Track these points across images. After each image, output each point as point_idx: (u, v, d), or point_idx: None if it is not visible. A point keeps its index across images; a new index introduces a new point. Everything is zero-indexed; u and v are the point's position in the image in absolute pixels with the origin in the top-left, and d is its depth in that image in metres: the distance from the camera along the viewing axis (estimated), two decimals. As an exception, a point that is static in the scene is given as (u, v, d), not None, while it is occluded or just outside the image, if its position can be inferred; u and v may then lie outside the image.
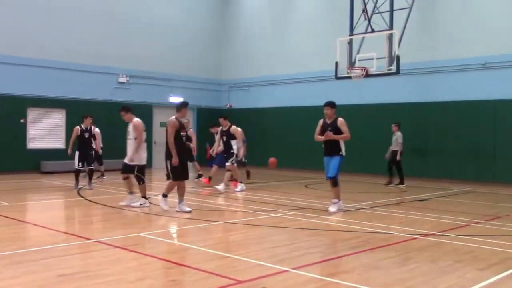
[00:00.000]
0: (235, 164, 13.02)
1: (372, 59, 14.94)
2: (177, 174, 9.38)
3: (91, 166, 13.39)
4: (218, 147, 13.81)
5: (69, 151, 13.41)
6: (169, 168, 9.36)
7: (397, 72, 14.71)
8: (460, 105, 16.26)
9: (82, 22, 19.08)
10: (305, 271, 5.46)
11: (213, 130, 14.75)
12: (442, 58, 16.70)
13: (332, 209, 9.59)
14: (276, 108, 21.10)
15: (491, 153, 15.62)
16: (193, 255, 6.35)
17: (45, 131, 18.18)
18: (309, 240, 7.15)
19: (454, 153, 16.31)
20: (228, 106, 23.14)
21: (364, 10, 15.76)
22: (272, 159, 13.52)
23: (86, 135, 13.33)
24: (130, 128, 10.11)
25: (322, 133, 9.92)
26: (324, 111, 10.24)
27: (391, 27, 15.08)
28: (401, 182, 14.82)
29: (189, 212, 9.29)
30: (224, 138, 13.07)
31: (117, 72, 20.12)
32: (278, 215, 9.31)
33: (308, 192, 13.45)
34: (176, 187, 9.55)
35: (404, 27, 15.43)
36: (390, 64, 14.80)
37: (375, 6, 15.93)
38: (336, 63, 15.90)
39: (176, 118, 9.51)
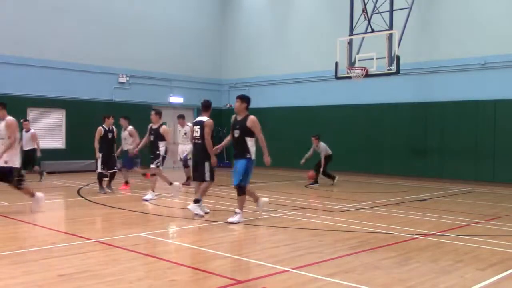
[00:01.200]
0: (161, 167, 11.52)
1: (372, 59, 14.95)
2: (214, 175, 9.26)
3: (114, 169, 12.59)
4: (139, 146, 12.38)
5: (97, 154, 12.39)
6: (207, 169, 9.10)
7: (397, 72, 14.71)
8: (460, 105, 16.27)
9: (82, 22, 19.07)
10: (305, 271, 5.46)
11: (122, 122, 13.49)
12: (442, 58, 16.70)
13: (231, 219, 8.33)
14: (276, 108, 21.09)
15: (491, 153, 15.62)
16: (193, 255, 6.35)
17: (45, 131, 18.15)
18: (309, 240, 7.15)
19: (454, 153, 16.31)
20: (228, 106, 23.14)
21: (364, 10, 15.76)
22: (310, 173, 14.71)
23: (110, 135, 12.49)
24: (2, 126, 9.48)
25: (232, 131, 8.69)
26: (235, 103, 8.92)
27: (391, 27, 15.09)
28: (332, 178, 15.07)
29: (207, 213, 9.24)
30: (152, 137, 11.44)
31: (117, 72, 20.12)
32: (278, 215, 9.31)
33: (308, 192, 13.45)
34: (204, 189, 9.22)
35: (404, 27, 15.45)
36: (390, 64, 14.81)
37: (375, 6, 15.94)
38: (336, 63, 15.92)
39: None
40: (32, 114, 17.93)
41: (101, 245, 6.65)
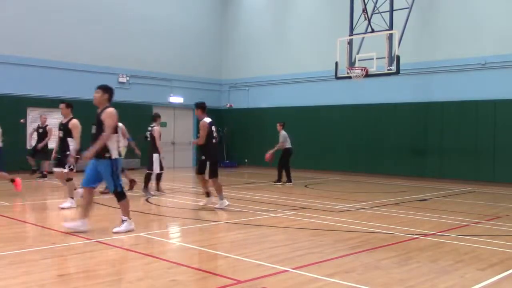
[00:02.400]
0: (74, 170, 9.96)
1: (372, 59, 14.96)
2: (216, 172, 10.10)
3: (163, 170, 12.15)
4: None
5: (159, 151, 11.97)
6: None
7: (397, 72, 14.71)
8: (460, 105, 16.27)
9: (82, 22, 19.07)
10: (305, 271, 5.46)
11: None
12: (442, 58, 16.70)
13: (117, 229, 7.42)
14: (276, 108, 21.10)
15: (491, 153, 15.62)
16: (193, 255, 6.35)
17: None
18: (309, 240, 7.15)
19: (454, 153, 16.31)
20: (228, 106, 23.16)
21: (364, 10, 15.77)
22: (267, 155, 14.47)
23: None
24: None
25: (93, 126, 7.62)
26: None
27: (391, 27, 15.09)
28: (289, 180, 15.05)
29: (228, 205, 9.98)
30: (61, 133, 9.93)
31: (117, 72, 20.12)
32: (278, 215, 9.31)
33: (308, 192, 13.45)
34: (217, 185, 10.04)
35: (404, 27, 15.45)
36: (390, 64, 14.81)
37: (375, 6, 15.94)
38: (336, 63, 15.92)
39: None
40: (32, 114, 17.93)
41: (101, 245, 6.65)
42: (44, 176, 15.68)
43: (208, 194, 10.36)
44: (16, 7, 17.52)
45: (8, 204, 10.18)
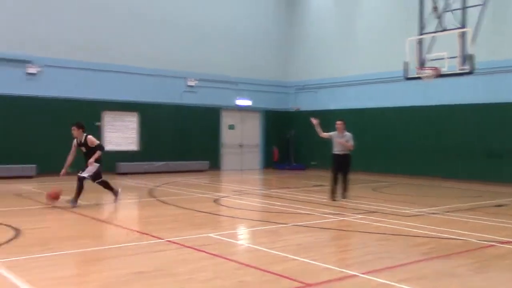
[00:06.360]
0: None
1: (443, 58, 14.44)
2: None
3: None
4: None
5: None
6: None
7: (471, 71, 14.12)
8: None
9: (154, 28, 19.70)
10: (376, 276, 5.35)
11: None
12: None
13: None
14: (345, 110, 20.79)
15: None
16: (260, 257, 6.39)
17: (119, 134, 18.97)
18: (379, 245, 7.01)
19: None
20: (295, 109, 23.08)
21: (435, 8, 15.27)
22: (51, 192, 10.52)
23: None
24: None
25: None
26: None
27: (463, 25, 14.51)
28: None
29: None
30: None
31: (186, 76, 20.61)
32: (346, 218, 9.19)
33: (376, 195, 13.18)
34: None
35: (478, 24, 14.79)
36: (463, 63, 14.24)
37: (446, 4, 15.39)
38: (406, 63, 15.49)
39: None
40: (106, 118, 18.76)
41: (173, 244, 6.83)
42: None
43: None
44: (95, 14, 18.35)
45: (85, 203, 10.64)
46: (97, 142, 10.68)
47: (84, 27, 18.14)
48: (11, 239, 7.04)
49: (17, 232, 7.50)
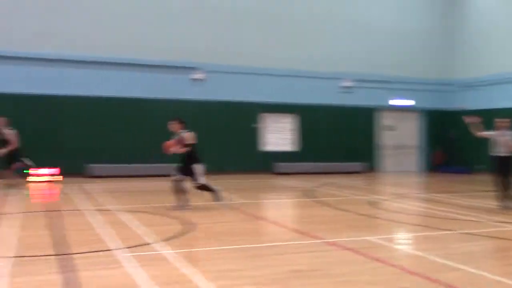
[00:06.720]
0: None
1: None
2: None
3: None
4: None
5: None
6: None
7: None
8: None
9: (308, 31, 19.96)
10: (559, 294, 4.75)
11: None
12: None
13: None
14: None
15: None
16: (422, 264, 6.05)
17: (277, 135, 19.61)
18: (561, 259, 6.22)
19: None
20: (461, 108, 21.55)
21: None
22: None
23: None
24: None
25: None
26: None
27: None
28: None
29: None
30: None
31: (342, 77, 20.48)
32: (520, 227, 8.34)
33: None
34: None
35: None
36: None
37: None
38: None
39: None
40: (264, 119, 19.49)
41: (330, 245, 6.81)
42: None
43: None
44: (257, 24, 19.17)
45: (244, 201, 11.12)
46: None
47: (243, 35, 19.01)
48: (185, 233, 7.62)
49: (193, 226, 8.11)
